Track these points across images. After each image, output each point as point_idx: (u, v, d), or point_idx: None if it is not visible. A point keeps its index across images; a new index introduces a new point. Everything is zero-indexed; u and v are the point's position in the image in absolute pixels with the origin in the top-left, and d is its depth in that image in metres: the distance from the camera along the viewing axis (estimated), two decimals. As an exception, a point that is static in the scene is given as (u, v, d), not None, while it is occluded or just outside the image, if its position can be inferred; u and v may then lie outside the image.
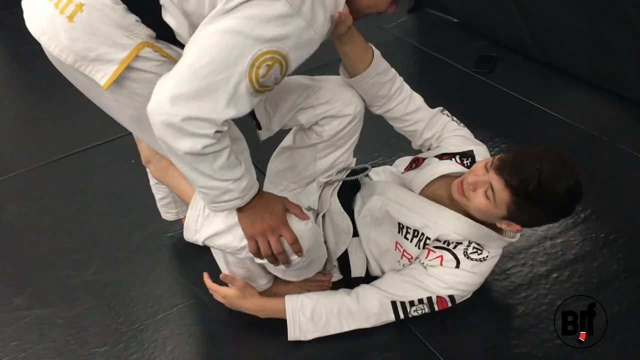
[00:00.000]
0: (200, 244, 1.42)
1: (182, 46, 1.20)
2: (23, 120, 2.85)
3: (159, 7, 1.17)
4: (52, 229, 2.05)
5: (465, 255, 1.48)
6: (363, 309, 1.53)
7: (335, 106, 1.55)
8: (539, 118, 2.35)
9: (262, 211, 1.32)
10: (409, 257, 1.55)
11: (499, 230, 1.48)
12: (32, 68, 3.22)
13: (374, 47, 1.52)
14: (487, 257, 1.49)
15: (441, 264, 1.49)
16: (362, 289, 1.56)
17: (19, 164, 2.42)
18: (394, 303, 1.52)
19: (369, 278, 1.63)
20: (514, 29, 2.70)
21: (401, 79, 1.58)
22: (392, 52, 2.22)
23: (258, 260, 1.42)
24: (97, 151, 2.44)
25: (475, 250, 1.49)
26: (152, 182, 1.87)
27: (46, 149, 2.50)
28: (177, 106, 1.09)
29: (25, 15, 1.28)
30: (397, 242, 1.57)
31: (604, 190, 1.97)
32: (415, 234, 1.52)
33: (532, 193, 1.32)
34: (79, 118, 2.71)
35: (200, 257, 1.85)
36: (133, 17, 1.17)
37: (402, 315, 1.52)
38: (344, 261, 1.64)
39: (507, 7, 2.67)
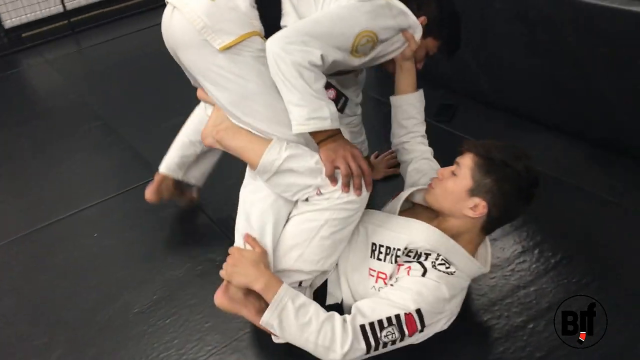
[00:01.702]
0: (275, 168, 1.56)
1: None
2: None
3: (280, 13, 1.61)
4: (14, 312, 1.97)
5: (432, 266, 1.50)
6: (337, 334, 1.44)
7: None
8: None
9: (344, 144, 1.58)
10: (384, 277, 1.56)
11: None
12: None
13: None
14: (454, 272, 1.51)
15: (408, 274, 1.50)
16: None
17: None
18: (362, 327, 1.42)
19: (343, 307, 1.63)
20: (472, 76, 2.76)
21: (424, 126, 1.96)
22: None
23: (329, 188, 1.54)
24: (59, 226, 2.38)
25: (443, 262, 1.51)
26: (185, 138, 2.09)
27: (5, 227, 2.42)
28: (299, 35, 1.50)
29: (180, 8, 1.61)
30: (370, 268, 1.60)
31: (571, 234, 1.98)
32: (387, 251, 1.58)
33: (494, 154, 1.52)
34: (38, 193, 2.66)
35: (168, 332, 1.79)
36: (256, 13, 1.61)
37: (372, 341, 1.41)
38: (319, 289, 1.68)
39: (463, 55, 2.74)
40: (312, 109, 1.51)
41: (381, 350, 1.44)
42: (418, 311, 1.43)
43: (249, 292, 1.57)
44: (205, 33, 1.56)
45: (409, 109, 1.93)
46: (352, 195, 1.54)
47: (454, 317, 1.55)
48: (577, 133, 2.42)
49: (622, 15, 2.01)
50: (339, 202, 1.54)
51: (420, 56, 1.88)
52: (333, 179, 1.53)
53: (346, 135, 1.78)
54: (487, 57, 2.66)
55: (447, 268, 1.51)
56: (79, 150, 2.98)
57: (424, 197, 1.70)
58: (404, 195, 1.77)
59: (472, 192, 1.55)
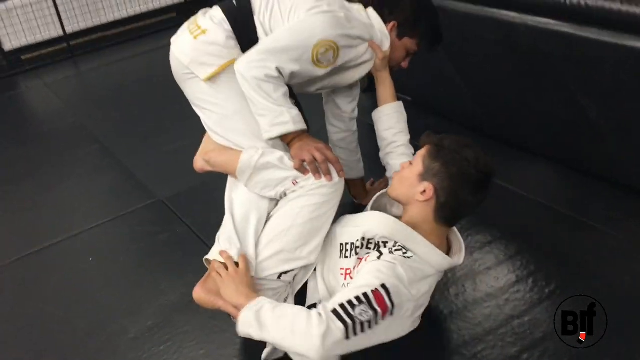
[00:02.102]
0: (254, 163, 1.70)
1: None
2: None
3: (256, 39, 1.76)
4: (8, 338, 1.96)
5: (389, 252, 1.55)
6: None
7: None
8: (494, 191, 2.33)
9: (309, 141, 1.72)
10: (349, 272, 1.62)
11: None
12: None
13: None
14: (412, 256, 1.54)
15: (365, 260, 1.54)
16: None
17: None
18: (334, 310, 1.40)
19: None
20: (464, 105, 2.79)
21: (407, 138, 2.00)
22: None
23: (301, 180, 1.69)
24: (54, 250, 2.38)
25: (400, 248, 1.56)
26: None
27: None
28: (258, 54, 1.68)
29: (172, 46, 1.85)
30: (340, 268, 1.66)
31: (565, 263, 1.99)
32: (350, 246, 1.66)
33: (444, 143, 1.61)
34: (33, 216, 2.67)
35: (162, 358, 1.79)
36: (234, 43, 1.78)
37: (347, 320, 1.37)
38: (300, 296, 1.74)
39: (457, 84, 2.78)
40: (273, 117, 1.69)
41: (361, 334, 1.39)
42: (383, 286, 1.43)
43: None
44: (191, 66, 1.78)
45: (386, 119, 2.00)
46: (324, 181, 1.68)
47: (422, 309, 1.56)
48: (570, 163, 2.45)
49: (614, 48, 2.05)
50: (313, 187, 1.68)
51: (400, 57, 1.98)
52: (304, 169, 1.68)
53: (337, 152, 2.13)
54: (480, 86, 2.69)
55: (404, 253, 1.54)
56: (76, 173, 2.99)
57: (387, 192, 1.76)
58: (376, 196, 1.86)
59: (422, 177, 1.61)
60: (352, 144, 2.25)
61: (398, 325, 1.48)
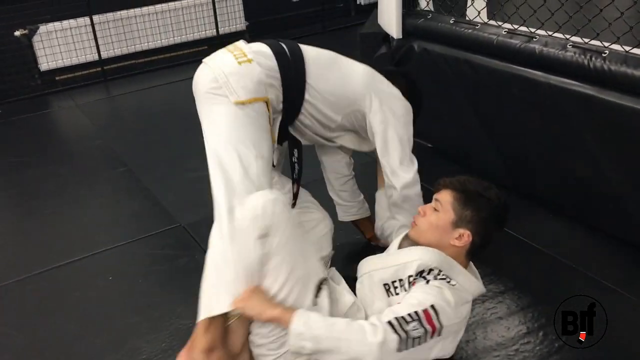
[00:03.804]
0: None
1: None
2: (1, 231, 2.85)
3: (301, 99, 1.96)
4: (25, 349, 2.00)
5: (434, 278, 1.64)
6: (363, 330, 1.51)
7: None
8: (510, 243, 2.42)
9: None
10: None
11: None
12: (16, 180, 3.29)
13: None
14: (455, 284, 1.63)
15: (414, 285, 1.64)
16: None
17: (-5, 276, 2.41)
18: (389, 322, 1.51)
19: None
20: (485, 155, 2.85)
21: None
22: (371, 172, 2.40)
23: None
24: (75, 267, 2.44)
25: (444, 277, 1.64)
26: None
27: (22, 263, 2.49)
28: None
29: (209, 62, 1.90)
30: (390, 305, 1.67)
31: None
32: (401, 282, 1.69)
33: (469, 188, 1.71)
34: (57, 233, 2.74)
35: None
36: (271, 82, 1.88)
37: (401, 333, 1.49)
38: None
39: (478, 135, 2.84)
40: None
41: (412, 348, 1.51)
42: (432, 307, 1.55)
43: (211, 353, 1.59)
44: (224, 87, 1.82)
45: (378, 206, 2.28)
46: None
47: (461, 333, 1.67)
48: (587, 220, 2.48)
49: (633, 112, 2.11)
50: None
51: None
52: None
53: (341, 196, 2.37)
54: (501, 138, 2.75)
55: (447, 280, 1.64)
56: (101, 194, 3.08)
57: (408, 234, 1.82)
58: (401, 234, 1.90)
59: (456, 224, 1.70)
60: (353, 186, 2.39)
61: (441, 346, 1.59)
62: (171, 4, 5.08)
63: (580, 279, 2.18)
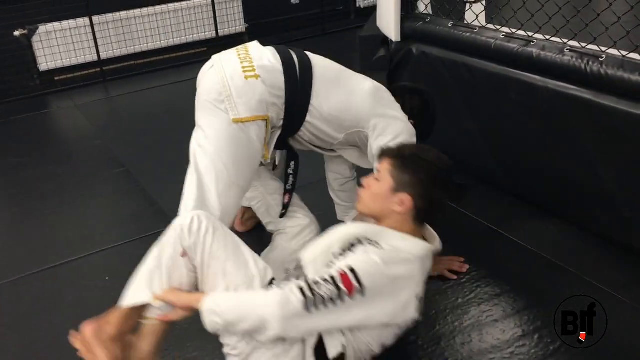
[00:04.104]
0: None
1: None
2: (-2, 231, 2.86)
3: (302, 117, 1.97)
4: (19, 350, 2.00)
5: (361, 245, 1.61)
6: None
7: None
8: (506, 246, 2.43)
9: None
10: None
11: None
12: (14, 180, 3.29)
13: None
14: (384, 248, 1.59)
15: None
16: None
17: (-9, 277, 2.41)
18: (298, 286, 1.48)
19: None
20: (483, 159, 2.85)
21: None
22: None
23: None
24: (72, 267, 2.44)
25: (371, 243, 1.60)
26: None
27: (19, 263, 2.49)
28: None
29: (224, 65, 1.91)
30: None
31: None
32: (331, 263, 1.61)
33: (405, 152, 1.70)
34: (55, 233, 2.74)
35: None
36: (280, 104, 1.91)
37: (308, 293, 1.45)
38: None
39: (476, 139, 2.84)
40: None
41: (324, 309, 1.46)
42: (352, 270, 1.50)
43: (114, 343, 1.58)
44: (227, 101, 1.84)
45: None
46: None
47: (409, 297, 1.59)
48: (583, 225, 2.48)
49: (630, 117, 2.12)
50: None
51: None
52: None
53: (339, 196, 2.42)
54: (500, 144, 2.76)
55: (375, 246, 1.59)
56: (99, 194, 3.08)
57: (357, 209, 1.81)
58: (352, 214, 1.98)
59: (396, 190, 1.68)
60: (353, 188, 2.37)
61: (380, 308, 1.54)
62: (171, 5, 5.09)
63: (577, 282, 2.19)
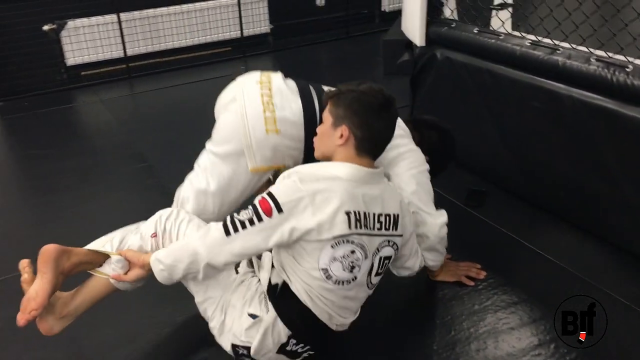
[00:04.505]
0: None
1: None
2: (17, 223, 2.91)
3: None
4: (36, 338, 2.01)
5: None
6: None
7: None
8: (524, 254, 2.41)
9: None
10: None
11: None
12: (36, 173, 3.35)
13: None
14: (303, 172, 1.67)
15: None
16: None
17: (7, 268, 2.43)
18: (223, 220, 1.65)
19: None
20: (504, 167, 2.84)
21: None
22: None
23: None
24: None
25: (296, 172, 1.67)
26: None
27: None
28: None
29: (233, 94, 2.01)
30: None
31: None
32: None
33: (341, 89, 1.72)
34: (73, 225, 2.78)
35: None
36: (297, 155, 1.99)
37: (228, 220, 1.62)
38: None
39: (497, 146, 2.83)
40: None
41: (242, 230, 1.59)
42: (270, 194, 1.61)
43: (62, 274, 1.79)
44: (246, 149, 1.95)
45: None
46: None
47: (340, 205, 1.60)
48: (604, 235, 2.46)
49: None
50: None
51: None
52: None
53: None
54: (522, 152, 2.74)
55: (298, 172, 1.67)
56: (119, 189, 3.12)
57: (315, 156, 1.84)
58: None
59: (335, 125, 1.71)
60: None
61: (302, 218, 1.58)
62: (197, 4, 5.14)
63: (595, 294, 2.16)
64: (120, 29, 4.81)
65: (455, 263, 2.28)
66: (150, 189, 3.08)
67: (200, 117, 4.00)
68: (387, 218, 1.71)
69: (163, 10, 5.00)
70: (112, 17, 4.78)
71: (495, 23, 2.87)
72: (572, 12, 2.47)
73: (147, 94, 4.66)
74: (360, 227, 1.63)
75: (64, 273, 1.78)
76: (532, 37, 2.63)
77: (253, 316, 1.70)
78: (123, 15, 4.80)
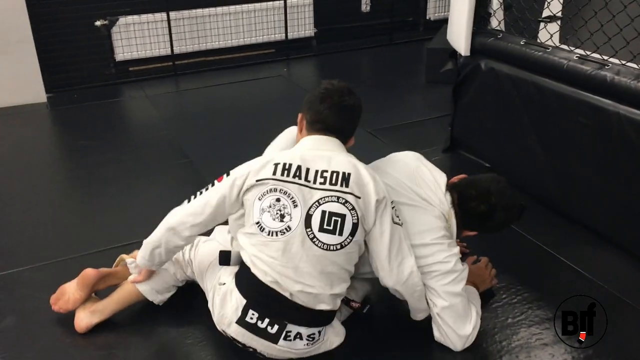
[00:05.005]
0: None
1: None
2: (65, 211, 3.00)
3: None
4: (68, 324, 2.09)
5: None
6: None
7: None
8: (560, 269, 2.39)
9: None
10: None
11: None
12: (85, 163, 3.45)
13: None
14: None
15: None
16: None
17: (53, 253, 2.53)
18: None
19: None
20: (543, 181, 2.81)
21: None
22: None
23: None
24: (130, 249, 2.51)
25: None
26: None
27: (81, 242, 2.61)
28: None
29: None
30: None
31: (624, 354, 1.95)
32: None
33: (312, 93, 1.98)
34: (117, 216, 2.85)
35: None
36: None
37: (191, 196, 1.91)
38: None
39: (539, 159, 2.80)
40: None
41: (198, 195, 1.88)
42: (227, 173, 1.86)
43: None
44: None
45: None
46: None
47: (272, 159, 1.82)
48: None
49: None
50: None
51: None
52: None
53: None
54: (562, 164, 2.71)
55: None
56: (161, 182, 3.19)
57: None
58: None
59: (299, 118, 1.97)
60: None
61: (238, 172, 1.84)
62: (244, 5, 5.21)
63: (630, 314, 2.13)
64: (169, 27, 4.91)
65: (480, 267, 2.23)
66: (191, 183, 3.11)
67: (242, 116, 4.08)
68: (334, 174, 1.78)
69: (211, 10, 5.08)
70: (162, 15, 4.88)
71: (543, 36, 2.84)
72: (624, 28, 2.43)
73: (192, 92, 4.74)
74: (288, 176, 1.77)
75: (96, 290, 2.14)
76: (581, 52, 2.60)
77: (222, 284, 1.85)
78: (172, 14, 4.90)
